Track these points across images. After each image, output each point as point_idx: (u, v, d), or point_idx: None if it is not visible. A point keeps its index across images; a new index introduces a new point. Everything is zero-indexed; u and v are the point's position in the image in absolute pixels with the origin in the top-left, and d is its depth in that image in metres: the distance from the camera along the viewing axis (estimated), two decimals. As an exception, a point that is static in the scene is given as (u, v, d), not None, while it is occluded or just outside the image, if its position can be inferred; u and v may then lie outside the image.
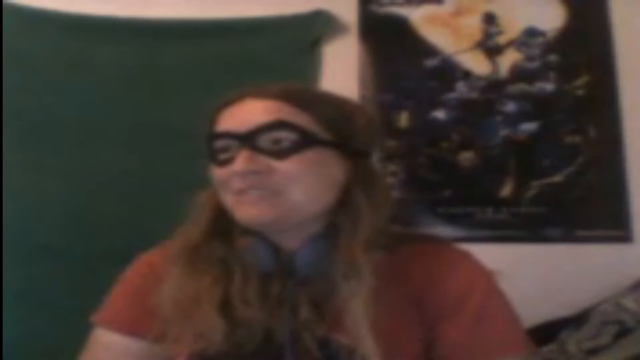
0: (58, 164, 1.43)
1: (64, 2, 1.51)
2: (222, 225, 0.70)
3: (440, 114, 1.47)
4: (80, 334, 0.73)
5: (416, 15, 1.52)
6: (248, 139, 0.65)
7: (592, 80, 1.45)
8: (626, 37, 1.46)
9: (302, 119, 0.67)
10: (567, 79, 1.45)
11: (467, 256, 0.73)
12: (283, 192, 0.65)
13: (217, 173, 0.68)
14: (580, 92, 1.45)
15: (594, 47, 1.47)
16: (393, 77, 1.49)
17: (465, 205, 1.42)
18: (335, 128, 0.69)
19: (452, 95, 1.47)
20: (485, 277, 0.71)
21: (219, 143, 0.68)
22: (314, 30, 1.48)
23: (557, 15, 1.49)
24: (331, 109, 0.70)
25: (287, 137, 0.66)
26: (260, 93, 0.68)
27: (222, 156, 0.68)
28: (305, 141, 0.66)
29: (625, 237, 1.37)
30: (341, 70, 1.47)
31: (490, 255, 0.74)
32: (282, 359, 0.64)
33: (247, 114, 0.67)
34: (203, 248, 0.70)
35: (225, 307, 0.66)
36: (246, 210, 0.66)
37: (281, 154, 0.65)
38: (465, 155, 1.44)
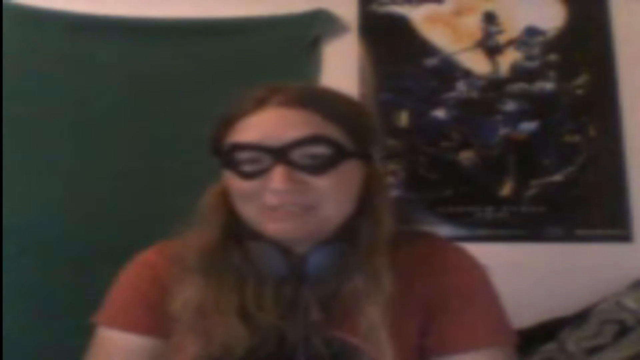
0: (58, 164, 1.42)
1: (65, 1, 1.51)
2: (234, 229, 0.70)
3: (440, 113, 1.47)
4: (80, 334, 0.73)
5: (416, 15, 1.52)
6: (283, 154, 0.63)
7: (592, 79, 1.45)
8: (626, 37, 1.46)
9: (333, 131, 0.65)
10: (567, 78, 1.45)
11: (459, 250, 0.74)
12: (316, 208, 0.65)
13: (242, 186, 0.66)
14: (580, 92, 1.45)
15: (594, 47, 1.47)
16: (393, 77, 1.49)
17: (465, 205, 1.42)
18: (359, 137, 0.68)
19: (452, 95, 1.47)
20: (478, 271, 0.72)
21: (244, 154, 0.65)
22: (313, 29, 1.48)
23: (557, 14, 1.49)
24: (355, 118, 0.70)
25: (322, 151, 0.64)
26: (284, 100, 0.66)
27: (248, 168, 0.65)
28: (339, 155, 0.65)
29: (625, 237, 1.37)
30: (341, 69, 1.47)
31: (490, 254, 0.74)
32: None
33: (279, 125, 0.64)
34: (219, 254, 0.69)
35: (242, 313, 0.65)
36: (278, 226, 0.65)
37: (318, 170, 0.64)
38: (465, 154, 1.44)
